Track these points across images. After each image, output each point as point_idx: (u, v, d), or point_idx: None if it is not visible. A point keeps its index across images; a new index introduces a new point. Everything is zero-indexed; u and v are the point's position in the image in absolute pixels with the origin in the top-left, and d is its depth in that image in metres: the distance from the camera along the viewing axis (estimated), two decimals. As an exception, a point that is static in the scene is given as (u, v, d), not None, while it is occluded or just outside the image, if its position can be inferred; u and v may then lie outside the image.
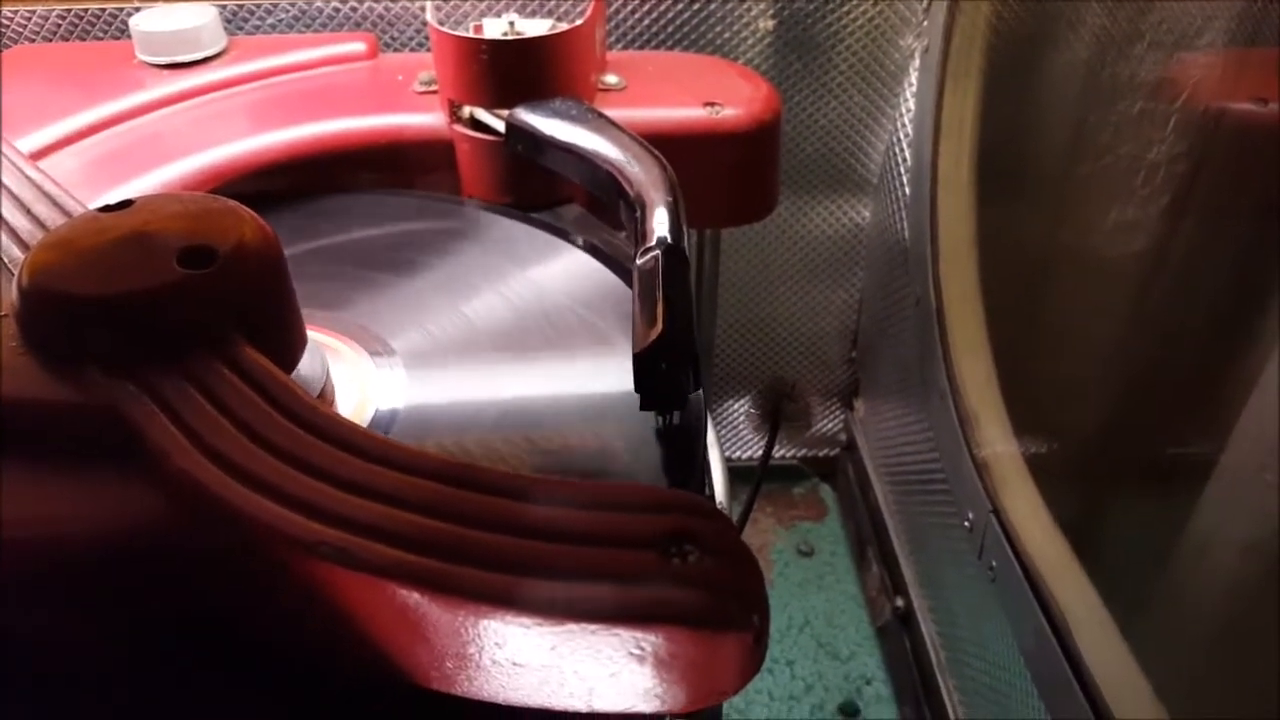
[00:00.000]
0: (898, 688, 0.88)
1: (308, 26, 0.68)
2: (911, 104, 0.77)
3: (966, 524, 0.63)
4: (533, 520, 0.24)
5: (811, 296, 0.94)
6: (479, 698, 0.25)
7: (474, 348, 0.43)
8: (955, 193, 0.71)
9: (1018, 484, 0.60)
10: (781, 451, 1.03)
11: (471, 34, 0.55)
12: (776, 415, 0.37)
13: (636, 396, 0.35)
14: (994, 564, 0.59)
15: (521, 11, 0.58)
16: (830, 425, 1.02)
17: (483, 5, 0.65)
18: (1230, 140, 0.63)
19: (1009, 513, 0.58)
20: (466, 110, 0.56)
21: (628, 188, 0.45)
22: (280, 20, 0.67)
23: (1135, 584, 0.56)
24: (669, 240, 0.39)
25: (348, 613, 0.25)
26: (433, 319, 0.44)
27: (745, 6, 0.71)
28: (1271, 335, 0.59)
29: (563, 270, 0.49)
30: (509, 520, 0.24)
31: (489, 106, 0.54)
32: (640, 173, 0.45)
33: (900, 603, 0.87)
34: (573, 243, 0.51)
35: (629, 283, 0.46)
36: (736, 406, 1.00)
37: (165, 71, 0.58)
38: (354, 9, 0.67)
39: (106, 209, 0.36)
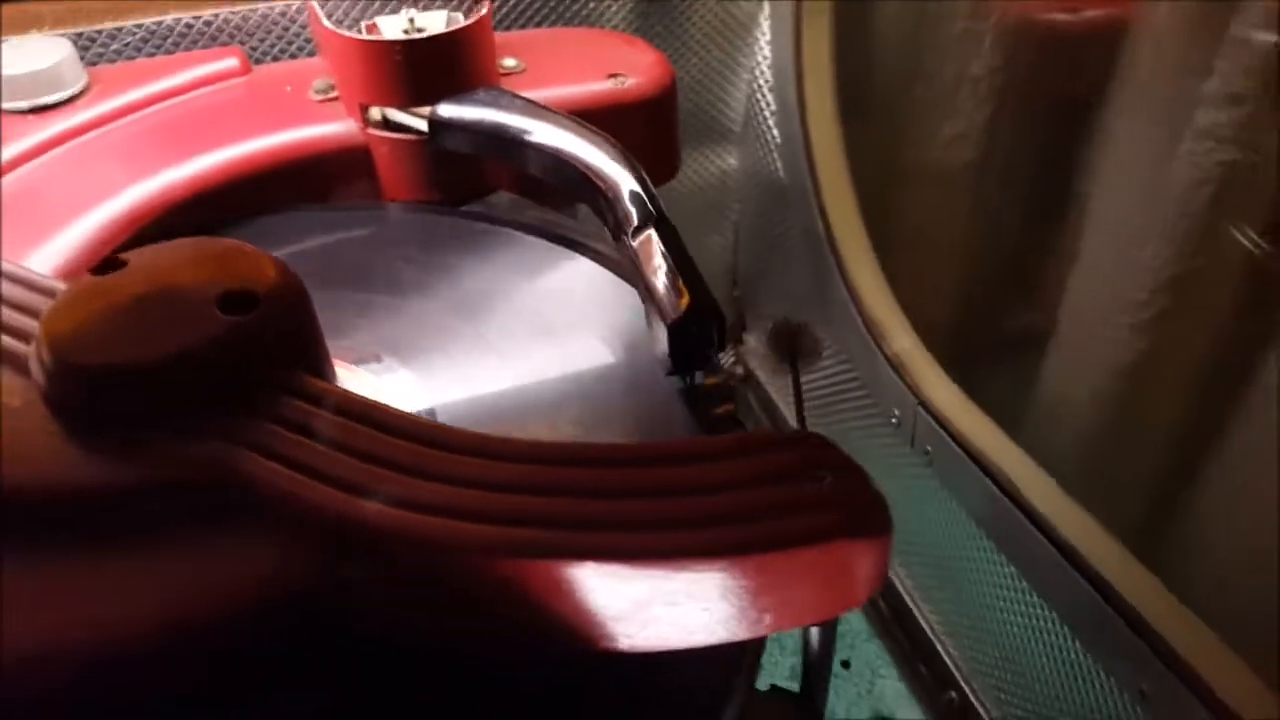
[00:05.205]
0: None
1: (158, 48, 0.63)
2: (768, 52, 0.81)
3: (894, 420, 0.70)
4: (694, 480, 0.26)
5: (688, 244, 0.98)
6: (660, 648, 0.27)
7: (479, 356, 0.44)
8: (825, 126, 0.77)
9: (934, 376, 0.67)
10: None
11: (366, 34, 0.54)
12: (794, 354, 0.41)
13: (647, 369, 0.38)
14: (929, 449, 0.66)
15: (408, 5, 0.57)
16: (724, 361, 1.08)
17: (357, 5, 0.63)
18: (1041, 49, 0.72)
19: (934, 402, 0.65)
20: (377, 112, 0.55)
21: (585, 170, 0.47)
22: (127, 44, 0.62)
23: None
24: (654, 214, 0.42)
25: (524, 600, 0.27)
26: (440, 337, 0.45)
27: (600, -27, 0.73)
28: (1079, 215, 0.69)
29: (501, 260, 0.50)
30: (670, 485, 0.26)
31: (404, 106, 0.54)
32: (594, 152, 0.47)
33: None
34: (521, 231, 0.52)
35: (602, 265, 0.48)
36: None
37: (31, 117, 0.53)
38: (208, 24, 0.63)
39: (99, 271, 0.34)
